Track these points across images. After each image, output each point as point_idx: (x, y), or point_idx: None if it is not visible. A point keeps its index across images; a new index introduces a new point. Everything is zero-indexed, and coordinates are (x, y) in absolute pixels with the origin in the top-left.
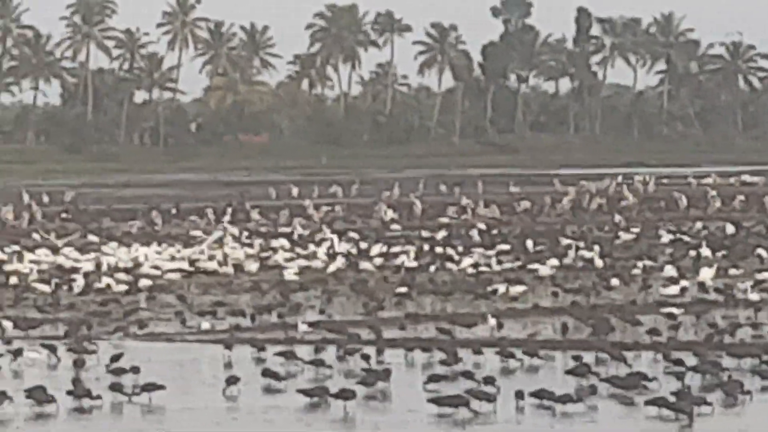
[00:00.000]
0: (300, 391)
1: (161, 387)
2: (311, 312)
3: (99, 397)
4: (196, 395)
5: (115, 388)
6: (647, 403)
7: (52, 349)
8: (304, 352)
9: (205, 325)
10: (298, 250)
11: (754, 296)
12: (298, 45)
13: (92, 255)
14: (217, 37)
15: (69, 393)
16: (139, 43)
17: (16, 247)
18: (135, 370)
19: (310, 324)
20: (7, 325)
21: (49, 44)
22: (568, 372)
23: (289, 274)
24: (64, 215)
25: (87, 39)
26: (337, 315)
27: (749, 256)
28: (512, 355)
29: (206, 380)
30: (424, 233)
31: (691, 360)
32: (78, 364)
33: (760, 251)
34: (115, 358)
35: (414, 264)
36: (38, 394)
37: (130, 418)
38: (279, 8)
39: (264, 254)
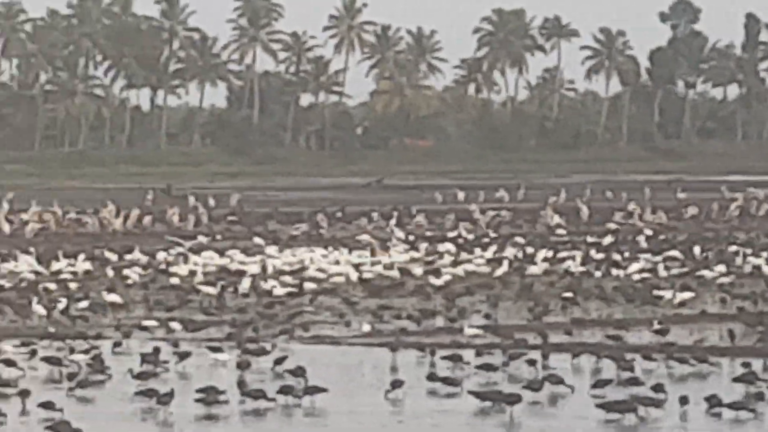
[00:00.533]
0: (472, 392)
1: (324, 390)
2: (477, 316)
3: (273, 399)
4: (361, 399)
5: (285, 390)
6: None
7: (218, 351)
8: (470, 356)
9: (366, 327)
10: (464, 254)
11: None
12: (464, 49)
13: (257, 258)
14: (384, 40)
15: (243, 394)
16: (305, 47)
17: (182, 249)
18: (301, 372)
19: (478, 328)
20: (175, 326)
21: (215, 47)
22: (736, 379)
23: (438, 281)
24: (230, 218)
25: (253, 42)
26: (503, 319)
27: None
28: (682, 361)
29: (371, 384)
30: (591, 238)
31: None
32: (242, 366)
33: None
34: (280, 360)
35: (580, 269)
36: (210, 395)
37: (295, 421)
38: (446, 12)
39: (429, 258)
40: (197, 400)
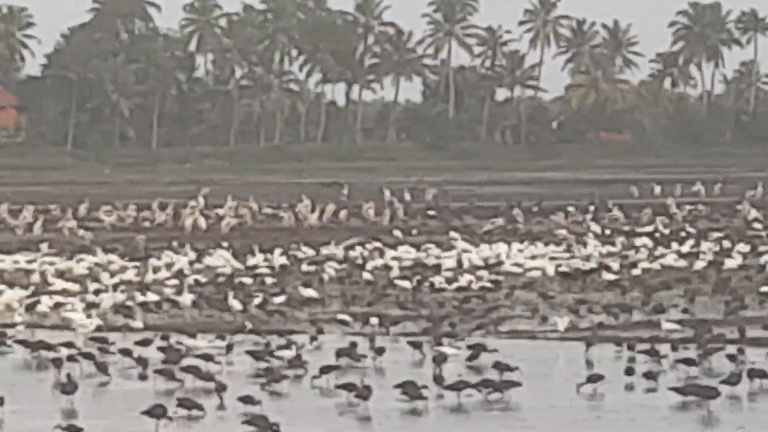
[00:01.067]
0: (672, 388)
1: (519, 384)
2: (674, 311)
3: (483, 389)
4: (557, 393)
5: (483, 384)
6: None
7: (417, 346)
8: (667, 350)
9: (561, 326)
10: (660, 248)
11: None
12: (660, 43)
13: (453, 252)
14: (580, 35)
15: (448, 387)
16: (500, 41)
17: (377, 244)
18: (504, 367)
19: (675, 322)
20: (374, 321)
21: (410, 41)
22: None
23: (610, 275)
24: (429, 212)
25: (449, 36)
26: (700, 314)
27: None
28: None
29: (567, 378)
30: None
31: None
32: (438, 360)
33: None
34: (475, 355)
35: None
36: (409, 389)
37: (491, 415)
38: (641, 6)
39: (626, 252)
40: (402, 393)
